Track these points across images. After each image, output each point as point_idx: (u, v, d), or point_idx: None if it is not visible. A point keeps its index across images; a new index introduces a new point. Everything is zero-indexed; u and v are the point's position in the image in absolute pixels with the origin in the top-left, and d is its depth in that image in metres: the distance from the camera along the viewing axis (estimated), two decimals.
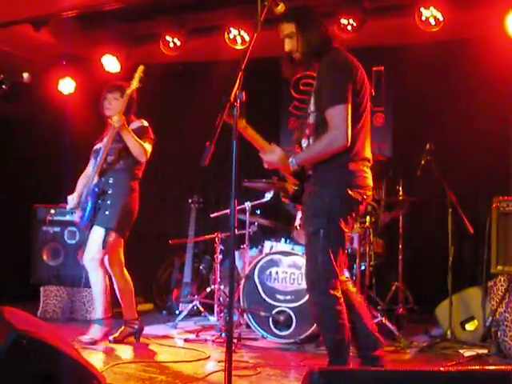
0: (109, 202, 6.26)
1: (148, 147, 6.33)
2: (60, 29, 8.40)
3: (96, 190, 6.24)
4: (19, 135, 9.39)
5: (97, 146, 6.51)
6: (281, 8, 4.20)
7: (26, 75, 5.10)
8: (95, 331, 6.32)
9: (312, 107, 4.64)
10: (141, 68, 6.18)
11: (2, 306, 3.87)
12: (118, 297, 6.47)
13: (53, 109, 8.51)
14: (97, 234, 6.23)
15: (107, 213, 6.23)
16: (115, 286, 6.42)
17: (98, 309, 6.38)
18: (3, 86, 5.02)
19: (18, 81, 5.12)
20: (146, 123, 6.44)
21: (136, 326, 6.50)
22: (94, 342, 6.21)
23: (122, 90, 6.29)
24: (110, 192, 6.29)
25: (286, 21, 4.61)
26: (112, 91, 6.39)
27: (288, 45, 4.64)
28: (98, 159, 6.26)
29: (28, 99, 8.62)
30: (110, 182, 6.32)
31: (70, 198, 6.51)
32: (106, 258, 6.28)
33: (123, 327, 6.48)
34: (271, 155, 4.60)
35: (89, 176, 6.44)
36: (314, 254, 4.55)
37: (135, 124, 6.38)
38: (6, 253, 9.06)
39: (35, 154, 9.39)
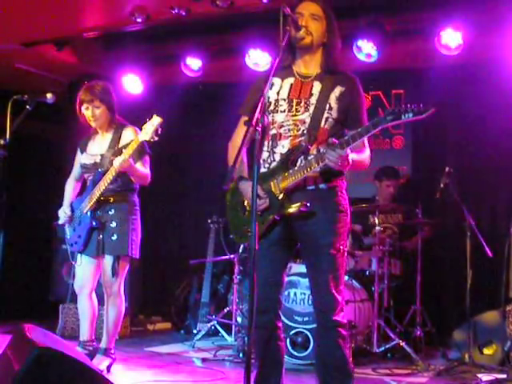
0: (114, 224, 5.73)
1: (148, 169, 5.85)
2: (82, 49, 8.51)
3: (93, 225, 5.70)
4: (44, 154, 9.50)
5: (86, 161, 5.95)
6: (303, 33, 4.18)
7: (49, 95, 5.11)
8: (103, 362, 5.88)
9: (335, 114, 4.21)
10: (159, 120, 5.39)
11: (22, 324, 3.91)
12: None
13: (75, 129, 8.58)
14: (108, 262, 5.74)
15: (115, 237, 5.72)
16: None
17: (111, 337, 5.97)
18: (27, 107, 5.06)
19: (42, 101, 5.13)
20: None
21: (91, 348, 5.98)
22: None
23: (100, 95, 5.82)
24: (112, 213, 5.76)
25: (317, 3, 4.29)
26: (92, 100, 5.81)
27: (311, 23, 4.22)
28: (95, 188, 5.69)
29: (50, 119, 8.73)
30: (111, 201, 5.77)
31: (60, 212, 6.04)
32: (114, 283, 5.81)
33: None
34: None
35: (74, 181, 6.15)
36: (341, 275, 4.20)
37: (130, 137, 5.70)
38: (25, 270, 9.14)
39: (56, 174, 9.49)
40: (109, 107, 5.92)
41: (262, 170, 4.27)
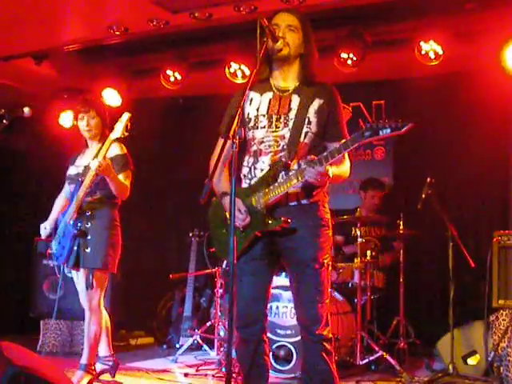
0: (89, 237, 5.64)
1: (128, 183, 5.80)
2: (61, 62, 8.46)
3: (75, 232, 5.62)
4: (20, 168, 9.42)
5: (71, 172, 5.94)
6: (280, 44, 4.14)
7: (26, 110, 5.05)
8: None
9: (314, 128, 4.17)
10: (127, 116, 5.59)
11: (0, 342, 3.85)
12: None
13: (54, 142, 8.52)
14: (83, 275, 5.69)
15: (88, 250, 5.62)
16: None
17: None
18: (4, 121, 5.00)
19: (19, 115, 5.07)
20: (124, 149, 5.84)
21: (111, 363, 6.05)
22: None
23: (96, 107, 5.92)
24: (89, 225, 5.66)
25: (293, 14, 4.28)
26: (87, 111, 5.85)
27: (288, 35, 4.18)
28: (75, 197, 5.68)
29: (29, 133, 8.65)
30: (88, 214, 5.68)
31: (42, 226, 5.98)
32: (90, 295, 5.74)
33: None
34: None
35: (64, 198, 6.08)
36: (325, 289, 4.17)
37: (114, 150, 5.75)
38: (6, 286, 9.05)
39: (36, 188, 9.43)
40: (103, 120, 5.93)
41: (244, 185, 4.27)
